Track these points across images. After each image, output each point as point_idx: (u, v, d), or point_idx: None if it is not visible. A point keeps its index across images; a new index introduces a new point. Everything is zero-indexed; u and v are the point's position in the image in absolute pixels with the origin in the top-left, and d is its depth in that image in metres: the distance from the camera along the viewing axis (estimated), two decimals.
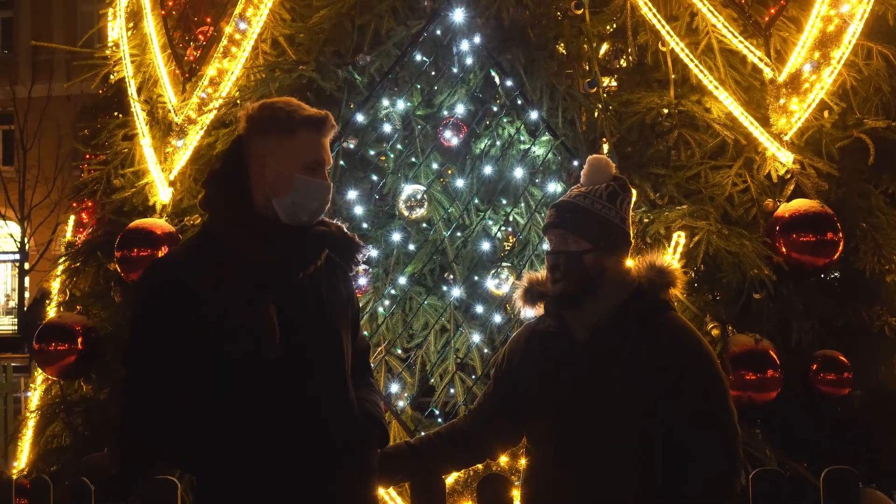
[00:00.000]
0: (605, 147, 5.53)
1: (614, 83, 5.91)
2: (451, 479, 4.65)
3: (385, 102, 5.52)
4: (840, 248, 5.21)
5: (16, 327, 26.36)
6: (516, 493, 3.97)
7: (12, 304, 31.50)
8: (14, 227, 28.16)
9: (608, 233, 3.35)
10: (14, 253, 29.07)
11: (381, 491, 4.47)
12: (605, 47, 6.07)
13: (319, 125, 3.05)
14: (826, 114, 5.59)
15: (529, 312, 3.54)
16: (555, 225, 3.33)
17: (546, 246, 3.66)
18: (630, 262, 3.40)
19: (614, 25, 5.86)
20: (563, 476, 3.23)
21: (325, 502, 2.99)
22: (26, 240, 27.39)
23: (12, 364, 10.74)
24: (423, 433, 3.72)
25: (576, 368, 3.26)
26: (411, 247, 5.37)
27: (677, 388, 3.15)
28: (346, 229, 3.23)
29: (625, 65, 5.99)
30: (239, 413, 2.95)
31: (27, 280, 26.63)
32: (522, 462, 4.61)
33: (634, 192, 5.01)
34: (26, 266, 27.23)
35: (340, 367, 3.12)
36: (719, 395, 3.24)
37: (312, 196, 3.03)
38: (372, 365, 3.64)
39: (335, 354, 3.10)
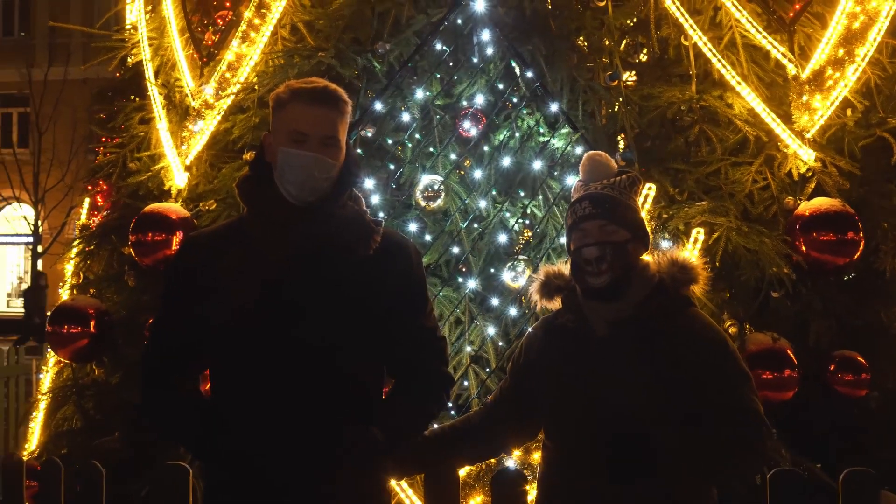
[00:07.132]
0: (622, 143, 5.50)
1: (634, 77, 5.85)
2: (463, 473, 4.61)
3: (404, 91, 5.47)
4: (860, 247, 5.17)
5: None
6: (529, 488, 3.93)
7: (25, 286, 31.58)
8: (28, 210, 28.22)
9: (642, 223, 3.33)
10: (28, 235, 29.11)
11: (392, 482, 4.44)
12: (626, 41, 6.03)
13: (310, 96, 2.95)
14: (849, 112, 5.52)
15: (546, 306, 3.50)
16: (594, 216, 3.22)
17: (563, 240, 3.61)
18: (648, 258, 3.36)
19: (635, 19, 5.80)
20: (581, 472, 3.19)
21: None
22: (39, 223, 27.43)
23: (25, 346, 10.75)
24: (436, 425, 3.68)
25: (596, 364, 3.21)
26: (427, 237, 5.32)
27: (705, 386, 3.11)
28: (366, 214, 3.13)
29: (646, 59, 5.92)
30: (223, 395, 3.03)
31: (40, 263, 26.64)
32: (535, 457, 4.58)
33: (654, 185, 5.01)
34: (39, 249, 27.28)
35: (330, 370, 2.95)
36: (749, 390, 3.19)
37: (294, 168, 2.93)
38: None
39: (317, 354, 2.94)
